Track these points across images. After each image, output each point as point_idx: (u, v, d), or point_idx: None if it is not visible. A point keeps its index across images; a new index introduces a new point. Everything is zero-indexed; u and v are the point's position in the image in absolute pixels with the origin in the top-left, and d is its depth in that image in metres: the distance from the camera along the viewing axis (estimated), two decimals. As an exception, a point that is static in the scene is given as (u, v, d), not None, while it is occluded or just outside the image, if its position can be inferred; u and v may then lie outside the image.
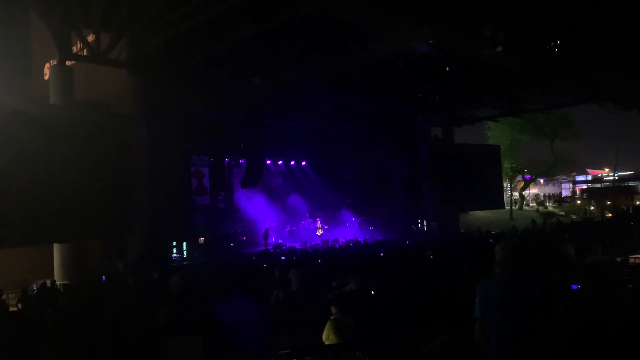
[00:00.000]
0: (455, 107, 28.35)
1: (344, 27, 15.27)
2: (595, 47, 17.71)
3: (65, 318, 8.42)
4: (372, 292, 9.52)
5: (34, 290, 13.04)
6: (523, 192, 49.89)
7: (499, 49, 14.88)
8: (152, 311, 8.18)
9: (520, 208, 46.26)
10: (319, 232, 26.13)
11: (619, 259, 12.36)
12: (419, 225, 29.17)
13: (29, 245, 15.87)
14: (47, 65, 21.63)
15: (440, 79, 21.19)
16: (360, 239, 24.09)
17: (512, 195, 47.93)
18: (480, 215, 35.44)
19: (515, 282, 3.71)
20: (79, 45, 17.99)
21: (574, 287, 8.23)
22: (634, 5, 14.33)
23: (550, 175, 49.08)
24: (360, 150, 28.03)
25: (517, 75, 20.32)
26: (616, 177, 53.78)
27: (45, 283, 12.63)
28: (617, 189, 45.44)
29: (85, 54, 17.32)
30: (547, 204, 51.00)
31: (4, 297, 11.24)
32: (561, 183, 60.07)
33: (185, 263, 17.95)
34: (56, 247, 16.91)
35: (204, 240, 20.79)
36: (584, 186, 54.72)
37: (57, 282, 14.55)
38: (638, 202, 40.92)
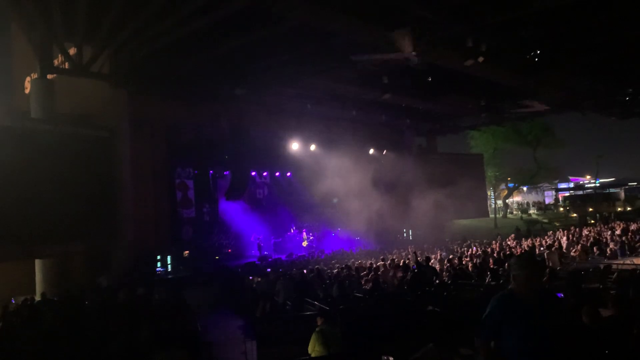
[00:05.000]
0: (439, 117, 28.58)
1: (328, 39, 15.34)
2: (574, 58, 18.04)
3: (48, 334, 8.27)
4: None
5: (14, 306, 12.80)
6: (507, 200, 50.33)
7: (480, 59, 15.04)
8: (136, 326, 8.08)
9: (505, 216, 46.65)
10: (305, 243, 26.02)
11: (602, 266, 12.50)
12: (405, 234, 29.21)
13: (12, 260, 15.62)
14: (28, 79, 21.42)
15: (424, 89, 21.35)
16: (347, 249, 24.07)
17: (496, 203, 48.29)
18: (465, 223, 35.61)
19: (536, 296, 3.68)
20: (60, 58, 17.85)
21: (559, 295, 8.31)
22: (611, 17, 14.65)
23: (533, 183, 49.56)
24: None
25: (499, 84, 20.58)
26: (597, 184, 54.46)
27: (26, 300, 12.42)
28: (599, 196, 45.99)
29: (66, 67, 17.19)
30: (531, 211, 51.48)
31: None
32: (544, 191, 60.65)
33: (170, 277, 17.74)
34: (38, 263, 16.65)
35: (189, 254, 20.54)
36: (566, 193, 55.28)
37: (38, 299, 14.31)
38: (619, 209, 41.41)
